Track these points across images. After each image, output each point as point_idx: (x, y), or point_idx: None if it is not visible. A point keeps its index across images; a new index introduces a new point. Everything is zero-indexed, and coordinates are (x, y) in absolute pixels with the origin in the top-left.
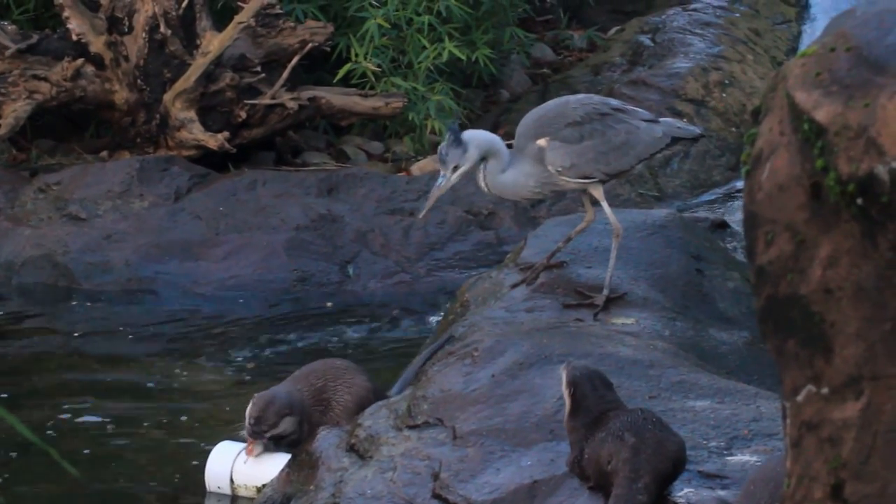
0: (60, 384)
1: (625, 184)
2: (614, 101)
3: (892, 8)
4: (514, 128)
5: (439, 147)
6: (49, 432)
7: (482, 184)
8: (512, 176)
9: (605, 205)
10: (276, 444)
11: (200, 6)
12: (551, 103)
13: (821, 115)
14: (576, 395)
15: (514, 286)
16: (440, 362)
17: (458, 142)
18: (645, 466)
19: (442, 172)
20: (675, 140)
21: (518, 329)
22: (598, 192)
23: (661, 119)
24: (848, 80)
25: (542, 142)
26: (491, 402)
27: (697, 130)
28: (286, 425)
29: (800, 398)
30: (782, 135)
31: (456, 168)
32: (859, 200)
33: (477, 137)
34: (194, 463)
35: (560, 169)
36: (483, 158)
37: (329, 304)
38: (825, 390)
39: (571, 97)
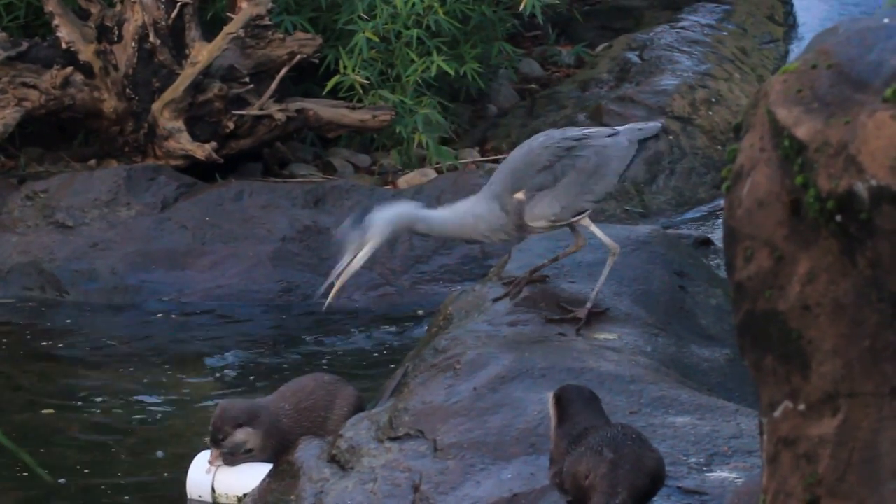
0: (43, 391)
1: (610, 200)
2: (574, 131)
3: (874, 26)
4: (500, 142)
5: (338, 230)
6: (31, 439)
7: (422, 234)
8: (456, 216)
9: (595, 230)
10: (236, 455)
11: (190, 16)
12: (516, 156)
13: (801, 132)
14: (560, 403)
15: (497, 300)
16: (422, 374)
17: (357, 222)
18: (622, 482)
19: (346, 256)
20: (643, 142)
21: (500, 342)
22: (586, 220)
23: (619, 128)
24: (829, 97)
25: (519, 195)
26: (472, 415)
27: (658, 124)
28: (241, 436)
29: (777, 414)
30: (763, 151)
31: (359, 247)
32: (838, 217)
33: (381, 216)
34: (176, 471)
35: (554, 218)
36: (400, 235)
37: (313, 314)
38: (802, 406)
39: (534, 142)
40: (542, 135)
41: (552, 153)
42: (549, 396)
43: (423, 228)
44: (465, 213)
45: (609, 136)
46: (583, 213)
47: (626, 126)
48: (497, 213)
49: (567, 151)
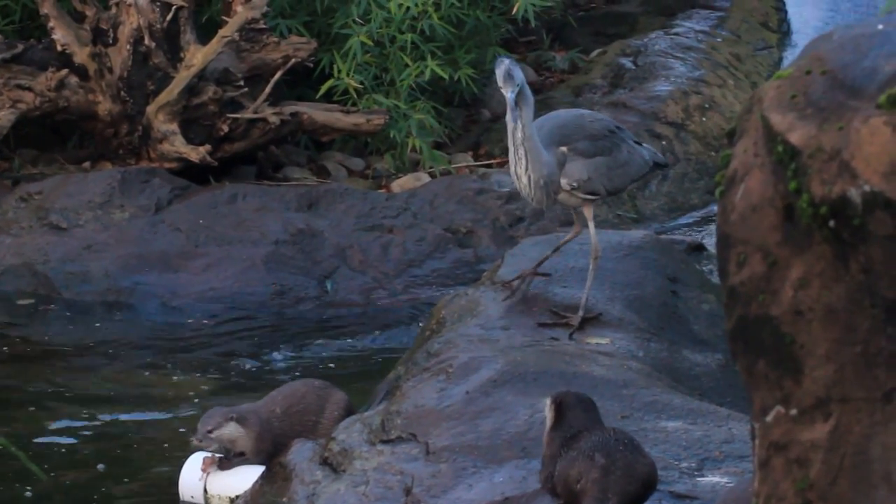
0: (37, 392)
1: (602, 205)
2: (609, 119)
3: (868, 32)
4: (494, 147)
5: (503, 69)
6: (24, 440)
7: (520, 132)
8: (547, 156)
9: (591, 224)
10: (227, 456)
11: (185, 19)
12: (567, 115)
13: (795, 138)
14: (560, 406)
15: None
16: (415, 378)
17: (515, 65)
18: (613, 488)
19: (511, 90)
20: (655, 165)
21: (493, 347)
22: (589, 210)
23: (644, 144)
24: (823, 103)
25: (563, 149)
26: (464, 419)
27: (665, 159)
28: (230, 429)
29: (769, 419)
30: (756, 156)
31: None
32: (831, 223)
33: (519, 76)
34: (169, 473)
35: (576, 184)
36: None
37: (307, 318)
38: (794, 411)
39: (585, 111)
40: (587, 110)
41: (601, 126)
42: (548, 401)
43: (527, 118)
44: (548, 157)
45: (635, 142)
46: (595, 195)
47: (646, 145)
48: (552, 160)
49: (611, 133)
